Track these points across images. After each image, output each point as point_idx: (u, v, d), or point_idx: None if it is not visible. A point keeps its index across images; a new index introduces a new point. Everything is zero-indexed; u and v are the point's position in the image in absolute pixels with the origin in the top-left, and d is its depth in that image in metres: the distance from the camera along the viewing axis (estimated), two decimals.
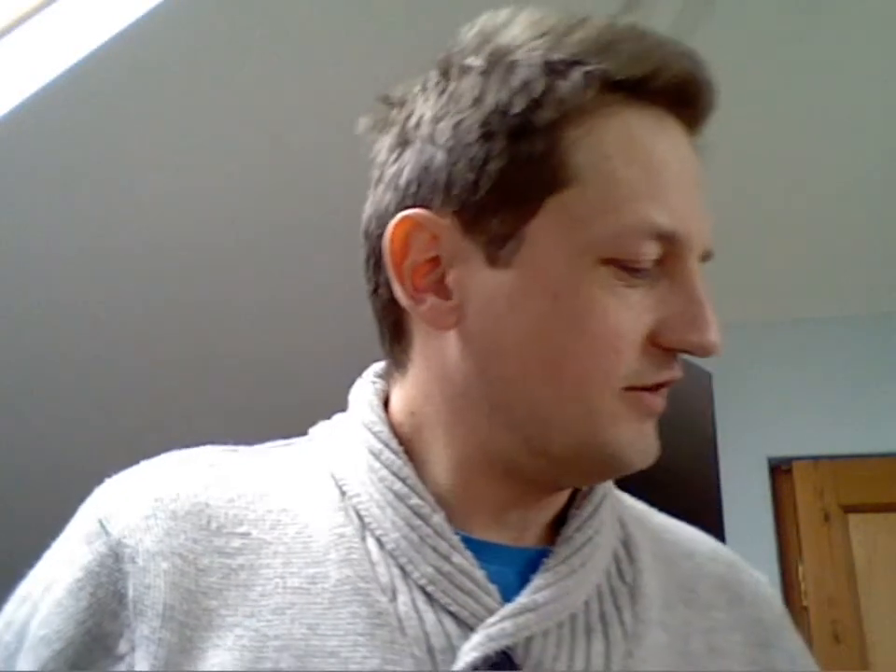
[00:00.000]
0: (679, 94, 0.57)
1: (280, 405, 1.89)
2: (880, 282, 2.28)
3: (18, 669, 0.53)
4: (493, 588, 0.54)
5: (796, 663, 0.64)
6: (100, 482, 0.60)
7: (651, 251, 0.54)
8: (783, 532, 2.21)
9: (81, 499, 0.60)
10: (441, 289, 0.57)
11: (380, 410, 0.61)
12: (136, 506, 0.56)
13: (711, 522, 2.23)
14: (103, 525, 0.55)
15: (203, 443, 0.64)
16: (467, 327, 0.56)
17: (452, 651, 0.52)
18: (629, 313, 0.54)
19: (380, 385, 0.63)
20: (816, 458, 2.24)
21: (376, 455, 0.58)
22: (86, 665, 0.52)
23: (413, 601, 0.53)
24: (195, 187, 1.74)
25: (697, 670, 0.58)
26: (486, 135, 0.54)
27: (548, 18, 0.58)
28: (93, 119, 1.57)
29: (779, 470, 2.27)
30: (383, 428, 0.59)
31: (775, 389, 2.32)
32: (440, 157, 0.56)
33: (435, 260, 0.57)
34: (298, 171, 1.73)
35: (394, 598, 0.53)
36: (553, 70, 0.54)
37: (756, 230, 2.20)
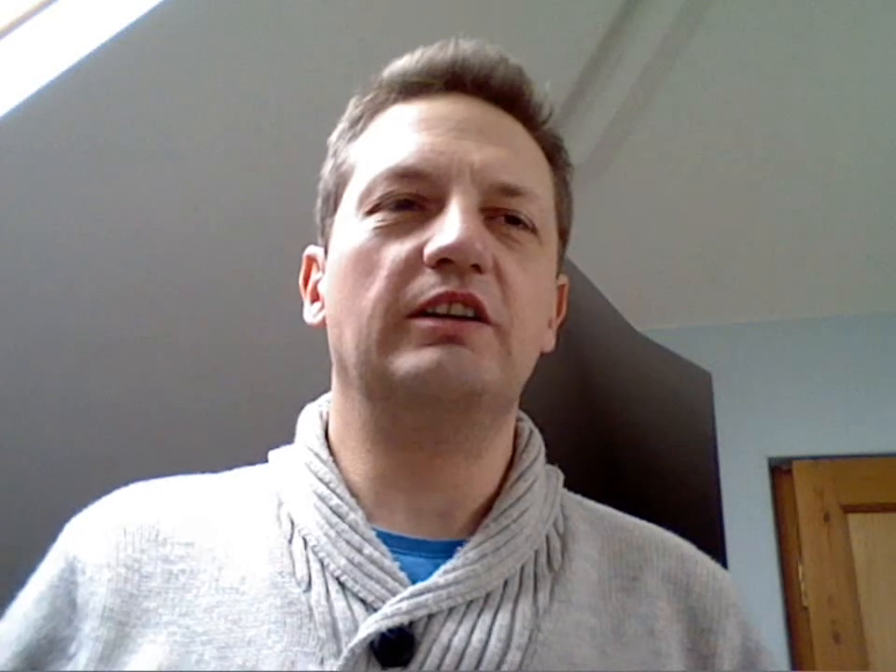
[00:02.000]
0: (450, 77, 0.65)
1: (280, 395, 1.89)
2: (880, 282, 2.28)
3: None
4: (402, 575, 0.59)
5: (735, 653, 0.65)
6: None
7: (397, 188, 0.61)
8: (783, 532, 2.21)
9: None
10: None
11: (317, 427, 0.68)
12: (94, 527, 0.64)
13: (711, 522, 2.23)
14: (66, 547, 0.63)
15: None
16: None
17: (357, 632, 0.56)
18: (390, 246, 0.60)
19: (325, 407, 0.70)
20: (816, 458, 2.23)
21: (308, 465, 0.65)
22: (45, 665, 0.59)
23: (327, 590, 0.58)
24: (195, 183, 1.74)
25: (631, 647, 0.61)
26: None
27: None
28: (93, 119, 1.57)
29: (779, 470, 2.26)
30: (315, 442, 0.66)
31: (775, 389, 2.32)
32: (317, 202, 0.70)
33: (320, 280, 0.70)
34: (300, 163, 1.73)
35: (308, 589, 0.59)
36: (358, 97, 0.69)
37: (756, 231, 2.20)
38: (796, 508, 2.20)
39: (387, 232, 0.60)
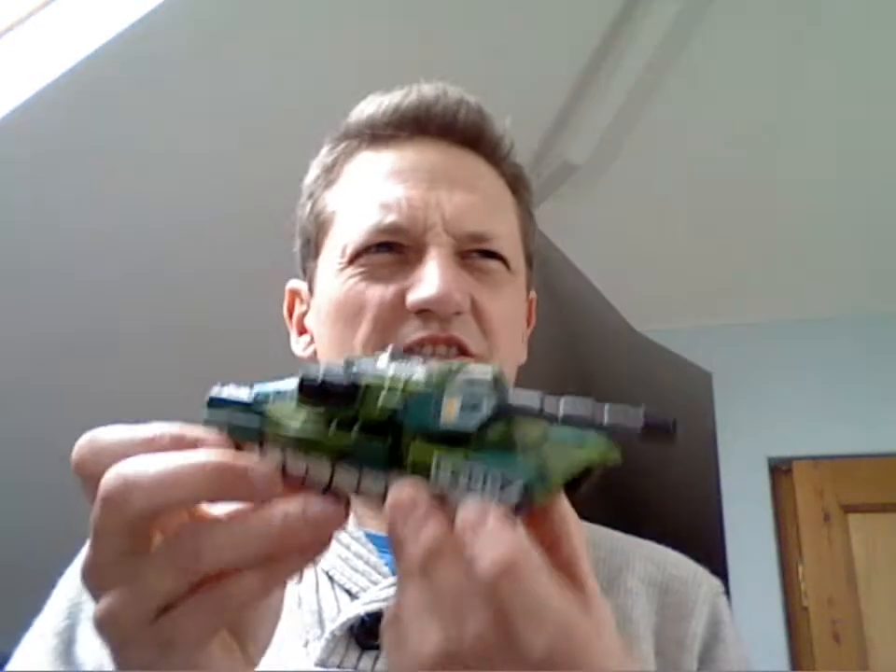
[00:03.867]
0: (416, 124, 0.69)
1: None
2: (880, 282, 2.28)
3: None
4: (386, 569, 0.63)
5: (702, 640, 0.66)
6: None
7: (375, 239, 0.65)
8: (783, 532, 2.21)
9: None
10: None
11: None
12: None
13: (711, 522, 2.23)
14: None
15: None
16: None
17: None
18: (374, 289, 0.65)
19: None
20: (816, 458, 2.24)
21: None
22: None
23: (317, 583, 0.64)
24: (195, 183, 1.74)
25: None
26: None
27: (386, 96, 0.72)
28: (93, 119, 1.57)
29: (779, 470, 2.27)
30: None
31: (775, 389, 2.32)
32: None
33: (306, 313, 0.74)
34: (300, 163, 1.73)
35: (299, 582, 0.63)
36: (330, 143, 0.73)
37: (756, 231, 2.20)
38: (796, 508, 2.20)
39: (370, 276, 0.65)
